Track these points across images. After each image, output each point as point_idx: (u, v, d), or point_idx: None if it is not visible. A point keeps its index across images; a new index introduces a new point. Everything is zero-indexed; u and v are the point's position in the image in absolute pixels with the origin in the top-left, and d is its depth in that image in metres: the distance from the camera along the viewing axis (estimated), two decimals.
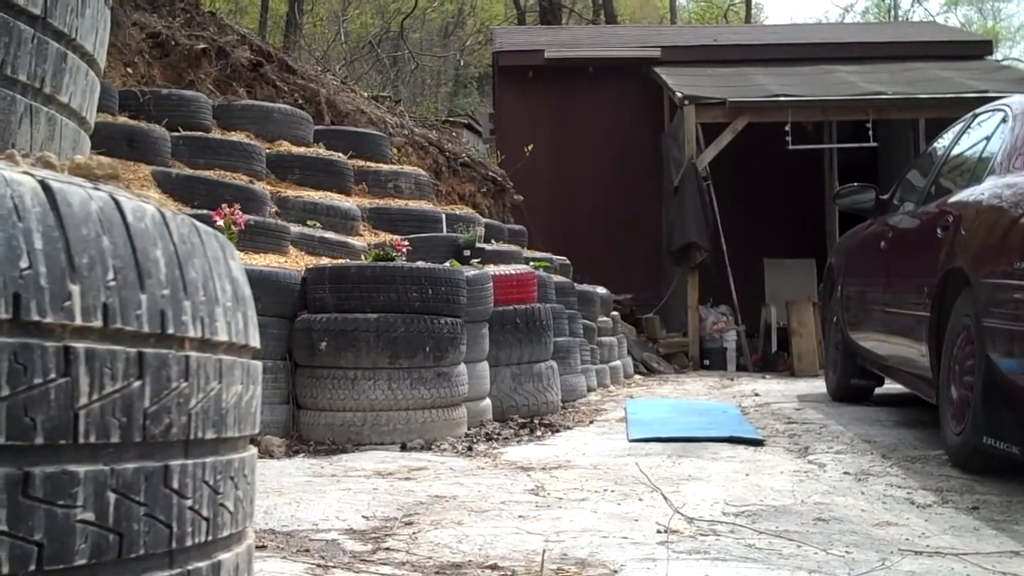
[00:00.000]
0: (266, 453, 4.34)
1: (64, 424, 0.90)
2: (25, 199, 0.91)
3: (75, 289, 0.92)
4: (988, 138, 4.34)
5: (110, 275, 0.96)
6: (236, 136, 8.18)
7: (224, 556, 1.12)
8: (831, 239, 12.45)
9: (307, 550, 2.64)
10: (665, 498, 3.33)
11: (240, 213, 5.79)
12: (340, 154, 8.92)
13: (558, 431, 5.34)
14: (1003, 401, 3.43)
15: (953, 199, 4.23)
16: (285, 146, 8.67)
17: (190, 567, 1.04)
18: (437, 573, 2.40)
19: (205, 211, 5.95)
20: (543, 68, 13.68)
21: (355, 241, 7.63)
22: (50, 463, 0.89)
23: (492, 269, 6.11)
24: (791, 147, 10.88)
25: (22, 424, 0.87)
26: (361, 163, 9.27)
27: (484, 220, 9.66)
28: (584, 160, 13.40)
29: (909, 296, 4.55)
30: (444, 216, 8.80)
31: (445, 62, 29.96)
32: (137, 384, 0.97)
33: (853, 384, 6.22)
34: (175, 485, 1.01)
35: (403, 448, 4.63)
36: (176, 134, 7.57)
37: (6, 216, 0.89)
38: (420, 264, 5.07)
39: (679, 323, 11.58)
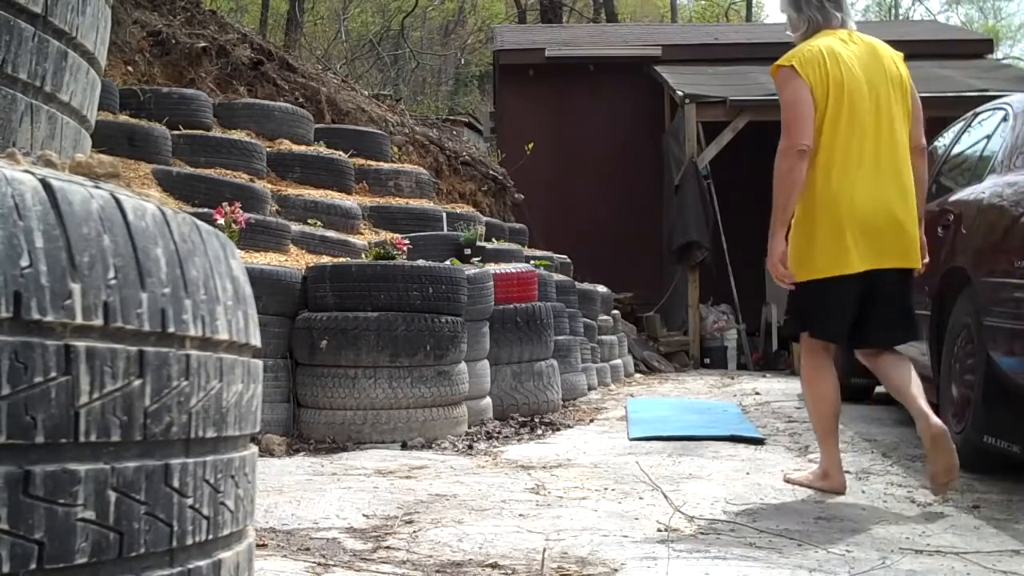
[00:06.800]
0: (267, 451, 4.35)
1: (65, 423, 0.90)
2: (26, 197, 0.91)
3: (76, 288, 0.92)
4: (989, 137, 4.34)
5: (111, 274, 0.96)
6: (237, 134, 8.17)
7: (225, 555, 1.12)
8: None
9: (308, 549, 2.64)
10: (666, 497, 3.33)
11: (241, 212, 5.79)
12: (341, 152, 8.92)
13: (559, 429, 5.34)
14: (1003, 400, 3.43)
15: (954, 198, 4.23)
16: (286, 144, 8.67)
17: (191, 566, 1.04)
18: (438, 572, 2.40)
19: (206, 209, 5.95)
20: (544, 67, 13.67)
21: (356, 240, 7.63)
22: (51, 462, 0.89)
23: (493, 268, 6.11)
24: None
25: (23, 423, 0.87)
26: (362, 161, 9.27)
27: (485, 219, 9.65)
28: (585, 158, 13.39)
29: None
30: (445, 215, 8.79)
31: (446, 60, 29.95)
32: (138, 383, 0.97)
33: (854, 383, 6.20)
34: (176, 484, 1.01)
35: (404, 446, 4.63)
36: (177, 133, 7.57)
37: (7, 214, 0.89)
38: (421, 263, 5.06)
39: (680, 322, 11.58)
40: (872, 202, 3.33)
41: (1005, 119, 4.22)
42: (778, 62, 3.44)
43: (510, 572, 2.39)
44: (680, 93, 11.37)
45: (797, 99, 3.35)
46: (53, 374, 0.89)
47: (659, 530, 2.85)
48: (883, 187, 3.35)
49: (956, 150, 4.84)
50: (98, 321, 0.94)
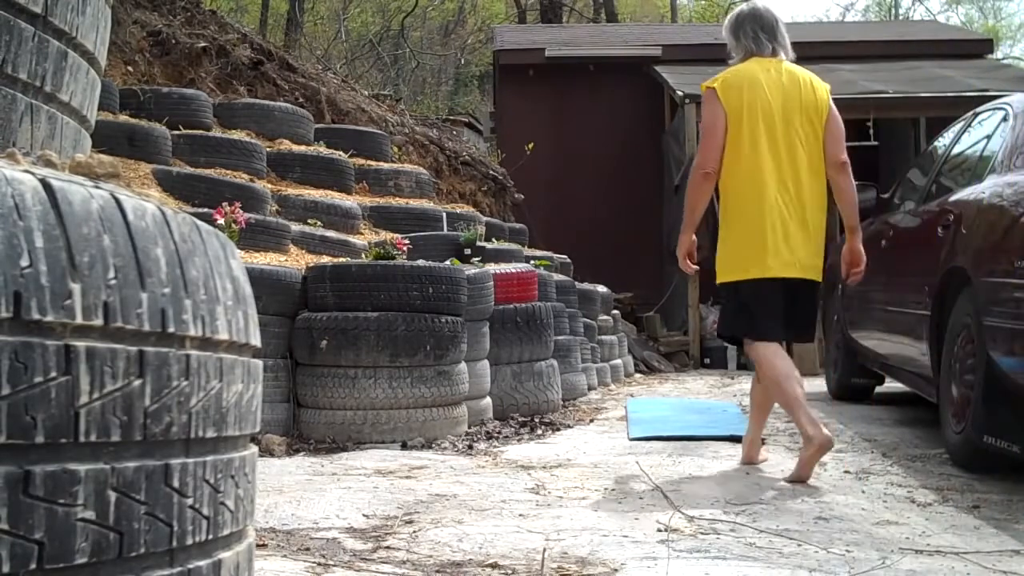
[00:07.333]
0: (267, 451, 4.35)
1: (65, 423, 0.90)
2: (26, 197, 0.91)
3: (76, 288, 0.92)
4: (989, 137, 4.33)
5: (111, 274, 0.96)
6: (237, 134, 8.18)
7: (225, 555, 1.12)
8: (831, 238, 12.43)
9: (308, 549, 2.65)
10: (665, 496, 3.33)
11: (241, 212, 5.79)
12: (341, 152, 8.93)
13: (559, 429, 5.34)
14: (1004, 400, 3.43)
15: (954, 198, 4.23)
16: (286, 144, 8.67)
17: (191, 566, 1.04)
18: (438, 572, 2.40)
19: (206, 209, 5.96)
20: (544, 67, 13.67)
21: (356, 240, 7.63)
22: (51, 462, 0.89)
23: (493, 268, 6.11)
24: None
25: (23, 423, 0.87)
26: (362, 161, 9.27)
27: (485, 219, 9.65)
28: (585, 158, 13.39)
29: (910, 295, 4.55)
30: (445, 215, 8.79)
31: (446, 60, 29.95)
32: (138, 383, 0.97)
33: (854, 383, 6.22)
34: (176, 484, 1.01)
35: (404, 446, 4.63)
36: (177, 132, 7.57)
37: (7, 214, 0.89)
38: (421, 263, 5.06)
39: (680, 322, 11.58)
40: (779, 217, 3.69)
41: (1005, 119, 4.22)
42: (706, 83, 3.83)
43: (510, 572, 2.39)
44: (680, 93, 11.37)
45: (712, 124, 3.77)
46: (53, 374, 0.89)
47: (659, 530, 2.84)
48: (789, 203, 3.71)
49: (956, 150, 4.84)
50: (98, 321, 0.94)
